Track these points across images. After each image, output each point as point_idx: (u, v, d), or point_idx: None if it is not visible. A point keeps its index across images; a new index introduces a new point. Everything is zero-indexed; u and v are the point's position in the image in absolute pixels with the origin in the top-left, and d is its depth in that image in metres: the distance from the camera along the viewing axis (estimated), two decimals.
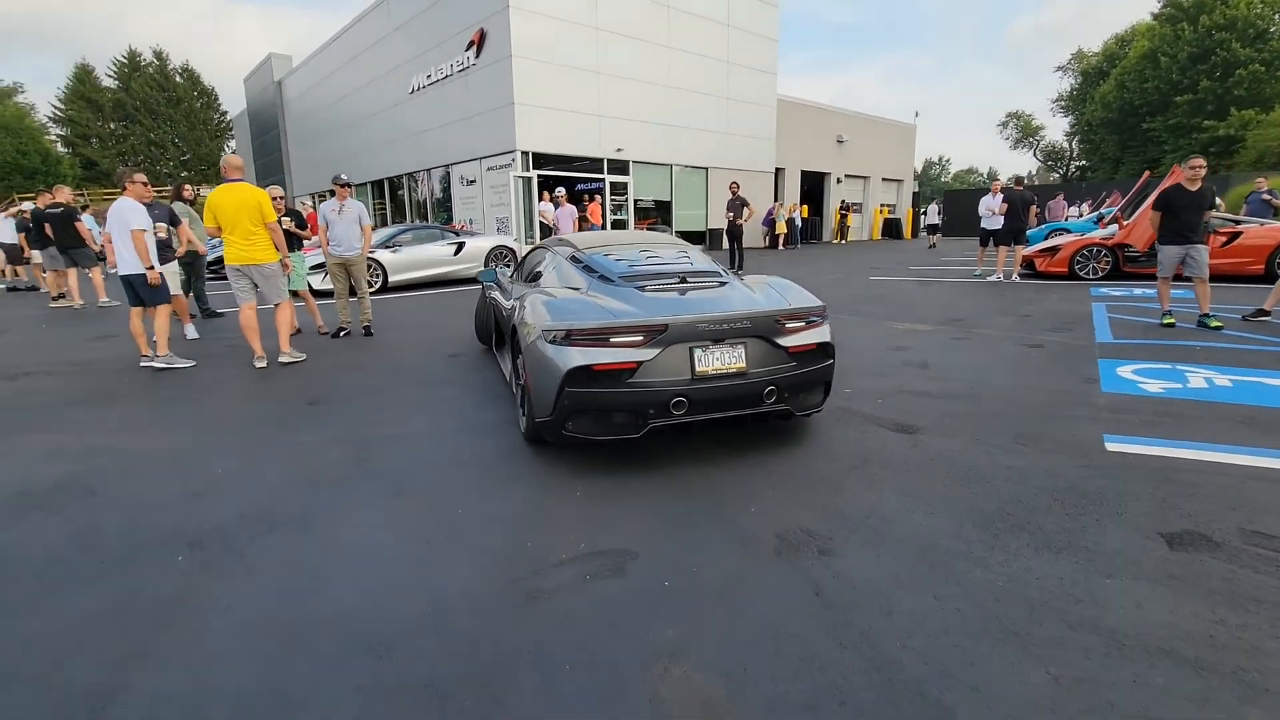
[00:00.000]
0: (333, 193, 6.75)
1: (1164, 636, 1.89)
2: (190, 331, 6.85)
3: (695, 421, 3.04)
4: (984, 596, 2.11)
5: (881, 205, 29.38)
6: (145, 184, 5.43)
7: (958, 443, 3.42)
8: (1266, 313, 6.48)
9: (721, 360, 3.05)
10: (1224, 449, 3.23)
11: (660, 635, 1.95)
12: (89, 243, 9.59)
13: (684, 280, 3.48)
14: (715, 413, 3.06)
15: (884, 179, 29.51)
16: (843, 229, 25.81)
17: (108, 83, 50.17)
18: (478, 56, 16.52)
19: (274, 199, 6.66)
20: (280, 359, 5.59)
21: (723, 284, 3.55)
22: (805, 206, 25.70)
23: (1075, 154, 57.83)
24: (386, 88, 21.14)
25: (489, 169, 17.07)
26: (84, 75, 49.20)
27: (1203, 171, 5.98)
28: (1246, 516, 2.57)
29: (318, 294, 9.02)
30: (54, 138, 48.41)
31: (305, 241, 7.30)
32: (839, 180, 26.96)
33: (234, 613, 2.10)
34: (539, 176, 16.17)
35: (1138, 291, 9.02)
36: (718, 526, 2.60)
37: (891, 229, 28.84)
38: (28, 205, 11.28)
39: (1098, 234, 10.63)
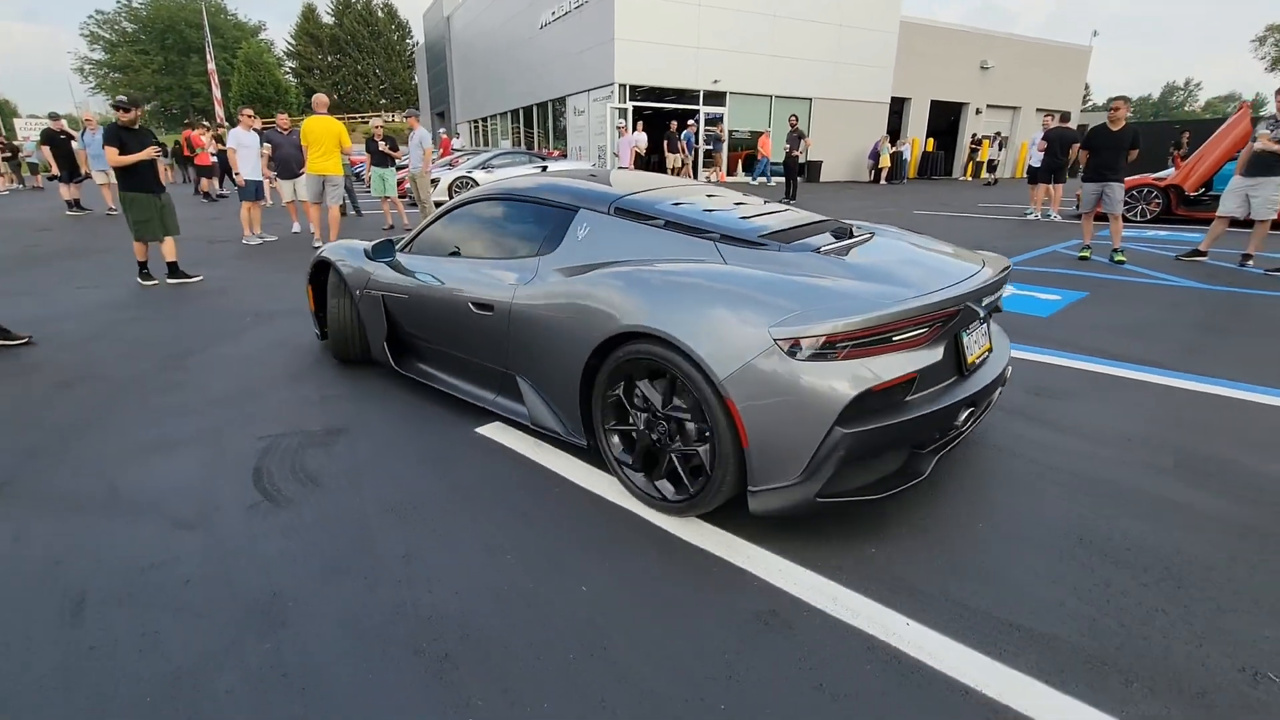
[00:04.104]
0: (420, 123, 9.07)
1: None
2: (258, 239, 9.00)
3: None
4: None
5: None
6: (251, 116, 8.29)
7: None
8: (1202, 253, 6.67)
9: (979, 342, 2.29)
10: None
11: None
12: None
13: (850, 235, 2.50)
14: (980, 416, 2.31)
15: (1039, 110, 26.71)
16: (975, 164, 24.08)
17: (326, 19, 58.20)
18: None
19: (376, 128, 9.17)
20: None
21: (874, 234, 2.68)
22: (931, 140, 24.46)
23: None
24: (524, 23, 23.40)
25: (594, 100, 18.87)
26: (309, 14, 57.40)
27: (1121, 112, 6.27)
28: None
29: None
30: (287, 70, 57.66)
31: (396, 162, 9.79)
32: (978, 111, 25.11)
33: (260, 333, 4.45)
34: (634, 108, 17.68)
35: (1155, 234, 8.90)
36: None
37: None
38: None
39: (1154, 174, 10.17)
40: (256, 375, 3.68)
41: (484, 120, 30.62)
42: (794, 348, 1.84)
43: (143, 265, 5.95)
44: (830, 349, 1.84)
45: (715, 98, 19.14)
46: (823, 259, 2.22)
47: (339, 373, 3.71)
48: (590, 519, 2.24)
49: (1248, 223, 6.33)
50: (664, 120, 17.76)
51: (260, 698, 1.50)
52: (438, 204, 11.20)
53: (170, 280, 5.97)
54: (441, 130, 23.62)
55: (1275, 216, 6.15)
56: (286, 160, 8.17)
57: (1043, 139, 10.35)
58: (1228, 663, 1.58)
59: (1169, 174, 9.98)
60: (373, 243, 3.37)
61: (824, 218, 2.77)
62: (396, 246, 3.37)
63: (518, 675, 1.56)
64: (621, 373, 2.23)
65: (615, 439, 2.35)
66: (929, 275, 2.16)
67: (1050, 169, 10.24)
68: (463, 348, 2.97)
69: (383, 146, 9.10)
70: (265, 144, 8.23)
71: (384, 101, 58.04)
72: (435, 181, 12.08)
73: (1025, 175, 11.37)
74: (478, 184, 12.89)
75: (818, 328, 1.83)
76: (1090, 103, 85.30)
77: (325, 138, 7.61)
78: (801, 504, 1.92)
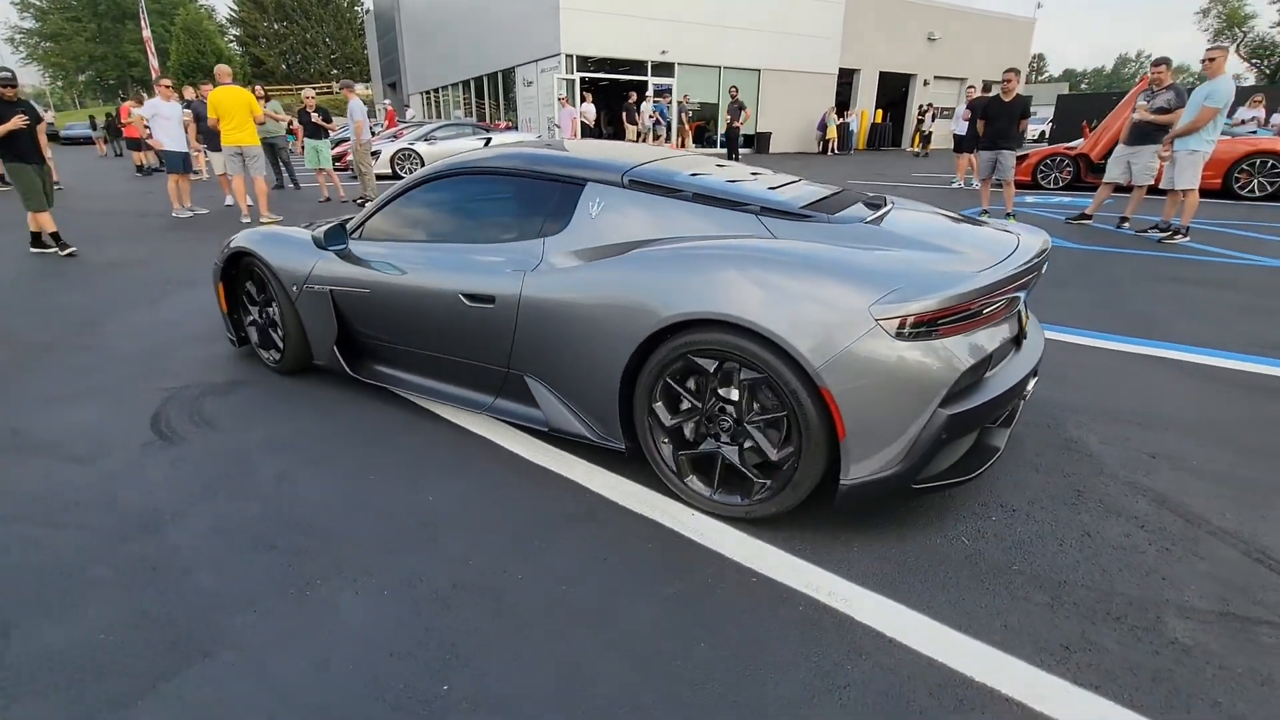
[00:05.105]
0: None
1: None
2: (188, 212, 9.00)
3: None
4: None
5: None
6: (169, 87, 8.19)
7: None
8: (1088, 217, 7.20)
9: (1023, 310, 2.19)
10: None
11: None
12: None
13: (885, 204, 2.42)
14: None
15: (985, 81, 27.33)
16: (921, 136, 24.41)
17: None
18: None
19: (307, 98, 9.14)
20: (261, 219, 7.87)
21: (894, 205, 2.46)
22: (880, 111, 24.91)
23: None
24: None
25: (542, 71, 18.77)
26: None
27: (1013, 84, 6.69)
28: None
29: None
30: (230, 39, 55.18)
31: (332, 134, 9.77)
32: (926, 83, 25.60)
33: (178, 300, 4.60)
34: (583, 79, 17.67)
35: (1060, 200, 9.46)
36: None
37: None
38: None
39: (1065, 144, 10.73)
40: (169, 337, 3.86)
41: (436, 91, 30.03)
42: (898, 327, 1.69)
43: (55, 235, 5.99)
44: (931, 326, 1.70)
45: (664, 69, 19.19)
46: (876, 230, 2.08)
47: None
48: (451, 446, 2.54)
49: (1131, 188, 6.83)
50: (620, 91, 17.74)
51: (127, 583, 1.78)
52: (379, 178, 11.21)
53: (33, 249, 6.15)
54: (386, 101, 23.09)
55: (1153, 182, 6.65)
56: (215, 132, 8.10)
57: (966, 109, 10.78)
58: (937, 533, 1.96)
59: (1079, 144, 10.52)
60: (321, 229, 2.80)
61: (837, 187, 2.60)
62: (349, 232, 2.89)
63: (354, 560, 1.87)
64: (674, 366, 1.98)
65: (666, 441, 2.11)
66: (982, 246, 2.05)
67: (974, 138, 10.67)
68: (448, 347, 2.59)
69: (315, 118, 9.08)
70: (186, 111, 8.11)
71: (335, 71, 56.05)
72: (376, 154, 12.03)
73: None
74: (420, 156, 12.87)
75: (920, 304, 1.68)
76: (1046, 74, 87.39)
77: (235, 109, 7.42)
78: (895, 492, 1.82)
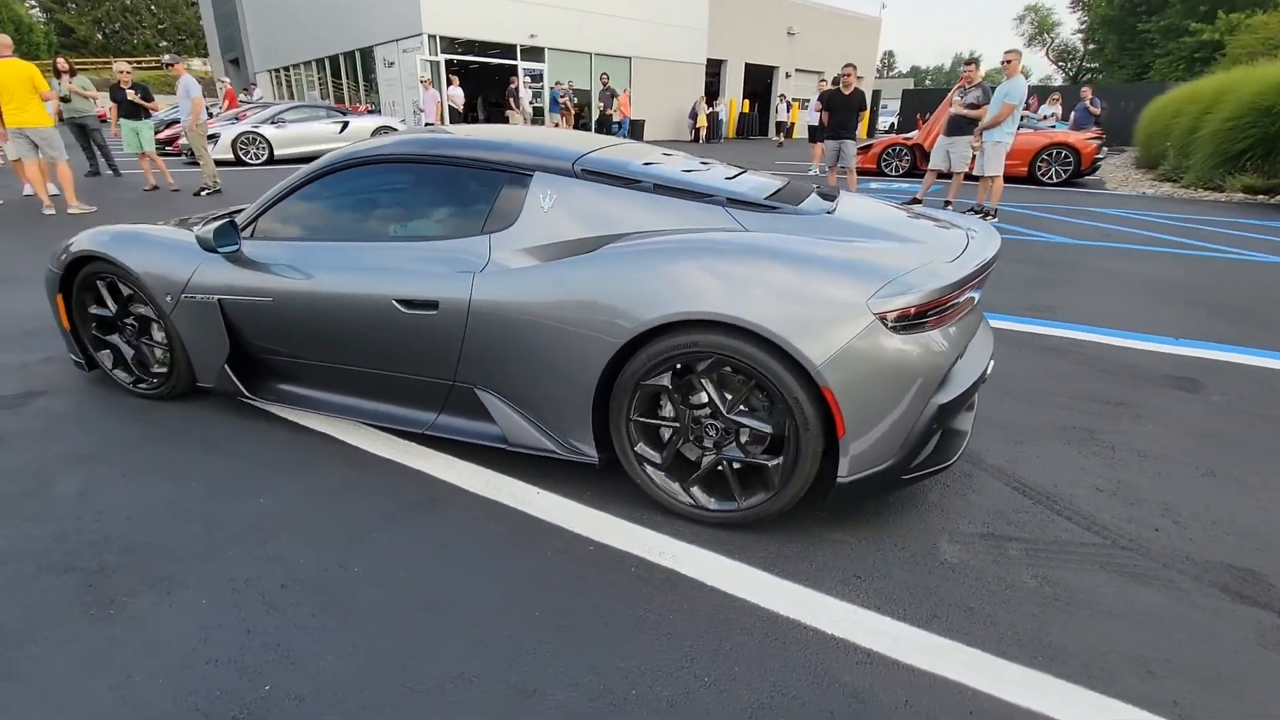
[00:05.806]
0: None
1: None
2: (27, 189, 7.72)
3: None
4: None
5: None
6: None
7: None
8: (918, 201, 7.98)
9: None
10: None
11: None
12: None
13: (836, 194, 2.40)
14: None
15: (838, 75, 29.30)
16: (779, 125, 25.65)
17: None
18: None
19: (121, 73, 8.10)
20: (70, 210, 6.94)
21: (842, 195, 2.44)
22: (748, 101, 26.01)
23: (1086, 55, 55.40)
24: None
25: (404, 51, 17.83)
26: None
27: (851, 78, 7.29)
28: None
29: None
30: (31, 4, 47.44)
31: (151, 113, 8.72)
32: (788, 75, 27.01)
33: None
34: (450, 61, 16.98)
35: (900, 186, 10.42)
36: None
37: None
38: None
39: (902, 135, 11.81)
40: None
41: (286, 70, 27.61)
42: (894, 321, 1.67)
43: None
44: (923, 318, 1.71)
45: (533, 53, 18.84)
46: (840, 220, 2.04)
47: (53, 340, 3.48)
48: (288, 446, 2.42)
49: (951, 174, 7.64)
50: (491, 75, 17.18)
51: None
52: (219, 164, 10.20)
53: None
54: (226, 79, 20.74)
55: (968, 169, 7.48)
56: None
57: (818, 100, 11.52)
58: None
59: (915, 135, 11.61)
60: (209, 228, 2.31)
61: (785, 178, 2.53)
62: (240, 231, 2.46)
63: (169, 573, 1.75)
64: (658, 371, 1.86)
65: (649, 450, 2.00)
66: (934, 236, 2.07)
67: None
68: (377, 359, 2.29)
69: (132, 95, 8.07)
70: None
71: (164, 43, 49.90)
72: (214, 138, 10.93)
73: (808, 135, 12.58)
74: (268, 140, 11.85)
75: (914, 296, 1.67)
76: (896, 70, 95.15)
77: (15, 85, 6.35)
78: (888, 485, 1.83)
